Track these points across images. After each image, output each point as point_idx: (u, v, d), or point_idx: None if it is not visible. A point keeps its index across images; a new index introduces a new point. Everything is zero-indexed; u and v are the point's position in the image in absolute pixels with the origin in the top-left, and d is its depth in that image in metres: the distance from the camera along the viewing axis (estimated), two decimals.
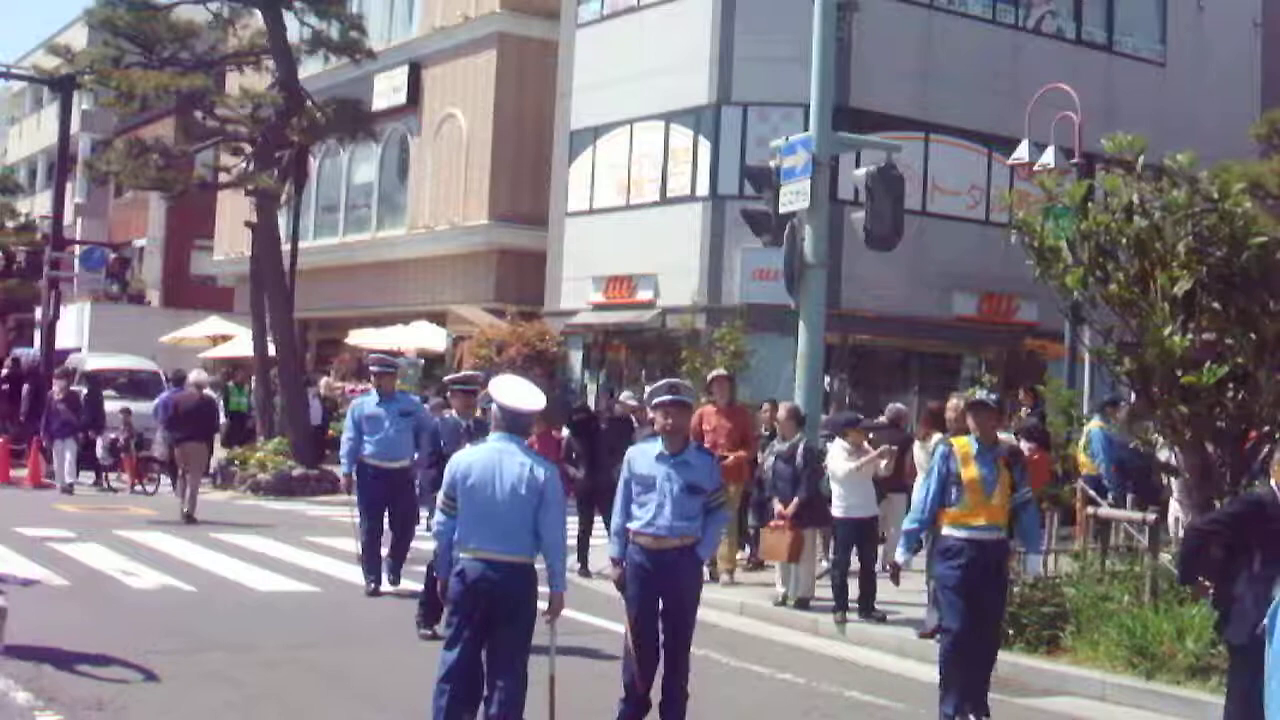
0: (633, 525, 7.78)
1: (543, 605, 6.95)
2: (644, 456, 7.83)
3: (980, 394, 8.97)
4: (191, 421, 18.58)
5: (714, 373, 15.34)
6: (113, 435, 23.06)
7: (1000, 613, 8.70)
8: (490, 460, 6.79)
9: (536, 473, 6.73)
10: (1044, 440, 15.64)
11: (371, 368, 13.56)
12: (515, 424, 6.91)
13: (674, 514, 7.60)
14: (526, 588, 6.73)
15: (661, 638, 7.73)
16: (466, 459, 6.93)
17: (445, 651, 6.77)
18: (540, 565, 6.87)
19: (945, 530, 8.35)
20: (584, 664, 9.31)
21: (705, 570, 14.09)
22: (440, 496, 6.92)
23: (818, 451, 12.83)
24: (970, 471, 8.29)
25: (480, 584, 6.64)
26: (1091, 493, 13.64)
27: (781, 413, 13.34)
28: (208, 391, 20.00)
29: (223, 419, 23.86)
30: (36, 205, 49.72)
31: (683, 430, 7.91)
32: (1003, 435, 13.82)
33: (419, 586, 12.45)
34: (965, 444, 8.47)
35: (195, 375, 20.89)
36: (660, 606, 7.70)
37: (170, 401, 19.59)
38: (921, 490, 8.57)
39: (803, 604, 12.50)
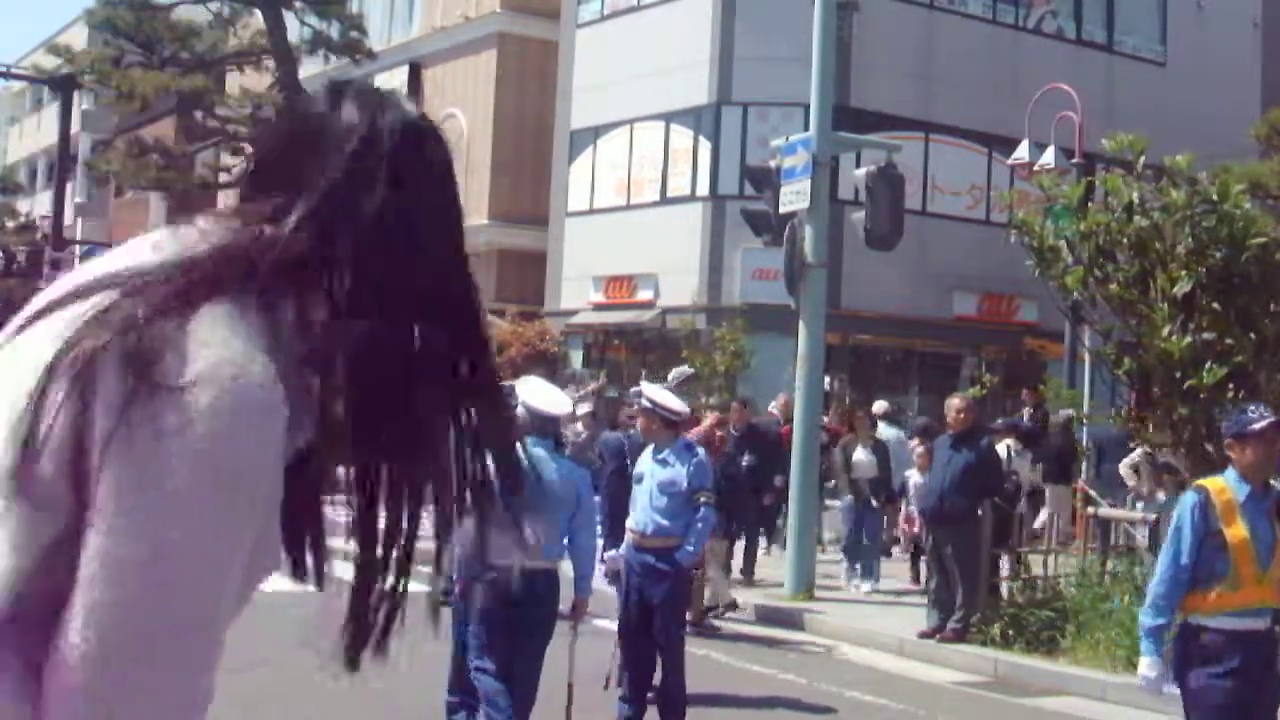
0: (628, 522, 7.96)
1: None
2: (644, 454, 7.99)
3: (1257, 412, 5.69)
4: None
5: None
6: None
7: None
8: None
9: (570, 477, 6.76)
10: (1037, 441, 15.68)
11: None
12: (544, 427, 6.89)
13: (650, 512, 7.71)
14: (549, 594, 6.71)
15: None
16: None
17: (459, 655, 6.74)
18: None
19: (1202, 620, 5.48)
20: (585, 664, 9.30)
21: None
22: None
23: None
24: (1238, 530, 5.46)
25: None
26: (1092, 493, 13.64)
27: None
28: None
29: None
30: (36, 205, 49.71)
31: (662, 431, 7.91)
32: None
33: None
34: (1225, 488, 5.56)
35: None
36: (646, 605, 7.73)
37: None
38: (1166, 561, 5.60)
39: (705, 613, 11.82)
